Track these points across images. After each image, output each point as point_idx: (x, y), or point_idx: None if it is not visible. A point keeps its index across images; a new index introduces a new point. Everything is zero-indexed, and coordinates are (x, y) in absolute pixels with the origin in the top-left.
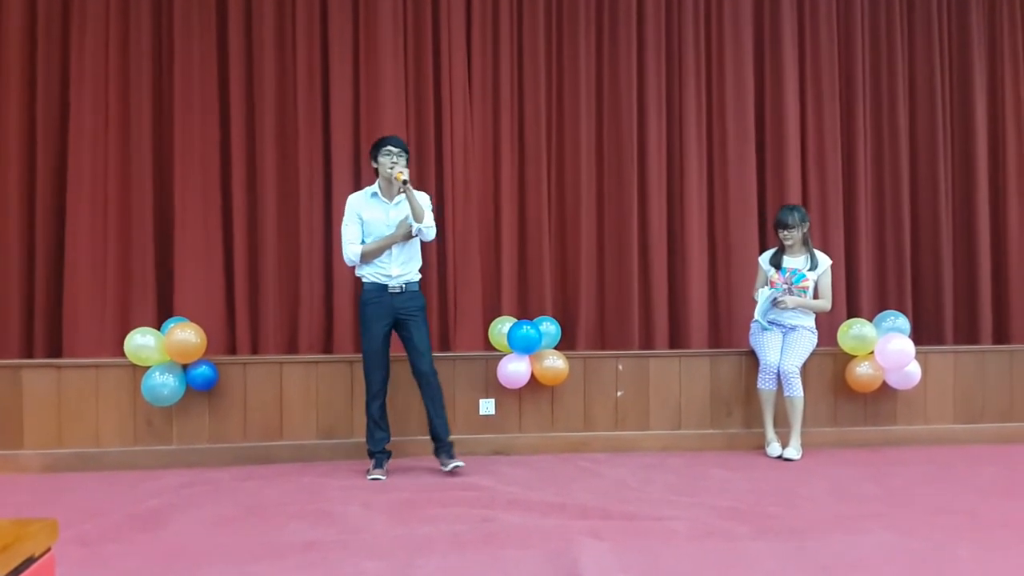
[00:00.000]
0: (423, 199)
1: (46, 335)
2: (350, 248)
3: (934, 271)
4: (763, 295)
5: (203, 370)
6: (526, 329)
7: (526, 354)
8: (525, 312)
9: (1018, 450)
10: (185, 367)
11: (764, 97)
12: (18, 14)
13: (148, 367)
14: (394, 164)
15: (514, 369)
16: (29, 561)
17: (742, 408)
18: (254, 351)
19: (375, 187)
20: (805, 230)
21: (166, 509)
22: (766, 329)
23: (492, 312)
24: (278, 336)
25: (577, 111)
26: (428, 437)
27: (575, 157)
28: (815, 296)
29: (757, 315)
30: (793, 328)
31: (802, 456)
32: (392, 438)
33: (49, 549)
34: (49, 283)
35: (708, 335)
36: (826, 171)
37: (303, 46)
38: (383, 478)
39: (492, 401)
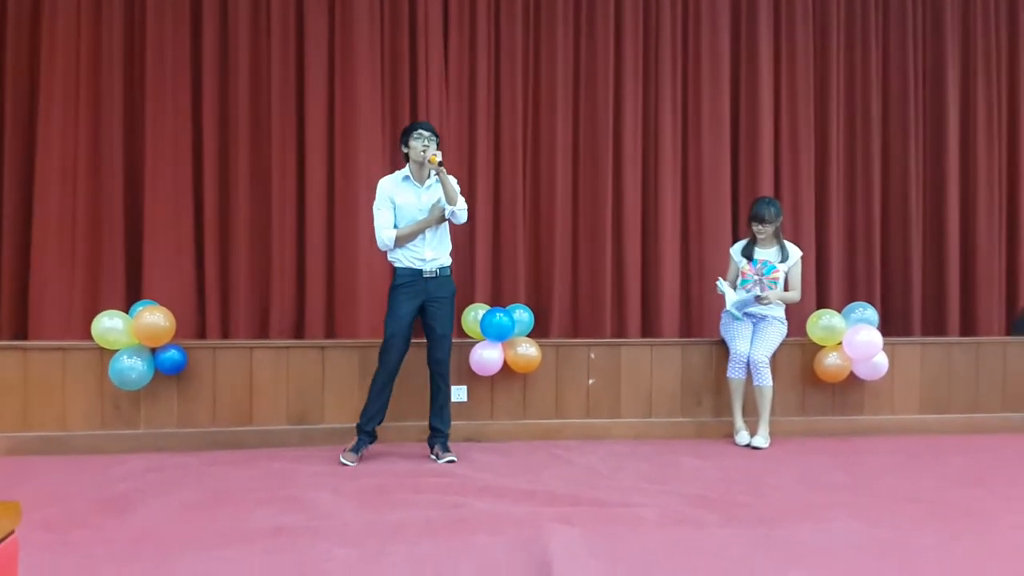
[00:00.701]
0: (453, 182)
1: (12, 317)
2: (384, 233)
3: (903, 264)
4: (727, 289)
5: (172, 354)
6: (499, 316)
7: (499, 341)
8: (498, 300)
9: (983, 440)
10: (154, 351)
11: (739, 91)
12: None
13: (116, 350)
14: (426, 147)
15: (487, 356)
16: None
17: (712, 397)
18: (224, 335)
19: (406, 171)
20: (778, 224)
21: (133, 494)
22: (737, 319)
23: (465, 299)
24: (249, 320)
25: (553, 102)
26: (403, 424)
27: (551, 148)
28: (785, 287)
29: (730, 307)
30: (763, 318)
31: (770, 445)
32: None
33: (12, 532)
34: (16, 264)
35: (680, 324)
36: (799, 163)
37: (278, 32)
38: (353, 464)
39: (464, 388)
